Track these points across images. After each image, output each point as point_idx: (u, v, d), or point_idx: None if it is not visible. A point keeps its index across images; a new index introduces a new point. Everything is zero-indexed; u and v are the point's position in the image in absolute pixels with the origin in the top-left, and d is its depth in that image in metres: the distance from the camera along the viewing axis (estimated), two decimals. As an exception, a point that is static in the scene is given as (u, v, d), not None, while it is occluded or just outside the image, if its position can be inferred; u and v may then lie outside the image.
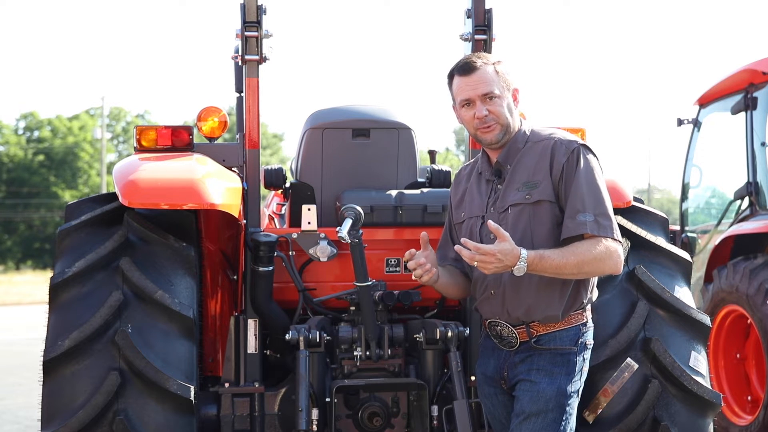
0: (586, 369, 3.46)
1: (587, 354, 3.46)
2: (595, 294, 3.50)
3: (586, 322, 3.45)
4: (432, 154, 5.41)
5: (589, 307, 3.47)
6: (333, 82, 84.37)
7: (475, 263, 3.24)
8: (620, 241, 3.36)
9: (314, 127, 4.63)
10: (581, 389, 3.45)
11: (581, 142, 3.43)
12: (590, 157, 3.41)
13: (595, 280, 3.47)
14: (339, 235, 3.86)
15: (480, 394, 3.66)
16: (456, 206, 3.66)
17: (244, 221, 4.17)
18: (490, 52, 4.31)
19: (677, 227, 8.21)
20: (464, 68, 3.44)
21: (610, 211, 3.37)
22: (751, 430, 6.50)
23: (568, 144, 3.40)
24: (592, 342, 3.49)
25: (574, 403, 3.41)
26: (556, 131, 3.50)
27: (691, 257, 5.40)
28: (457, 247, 3.30)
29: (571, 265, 3.27)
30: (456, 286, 3.61)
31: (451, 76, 3.50)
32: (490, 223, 3.30)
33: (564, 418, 3.36)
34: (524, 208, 3.39)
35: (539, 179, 3.39)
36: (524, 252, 3.23)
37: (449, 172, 4.79)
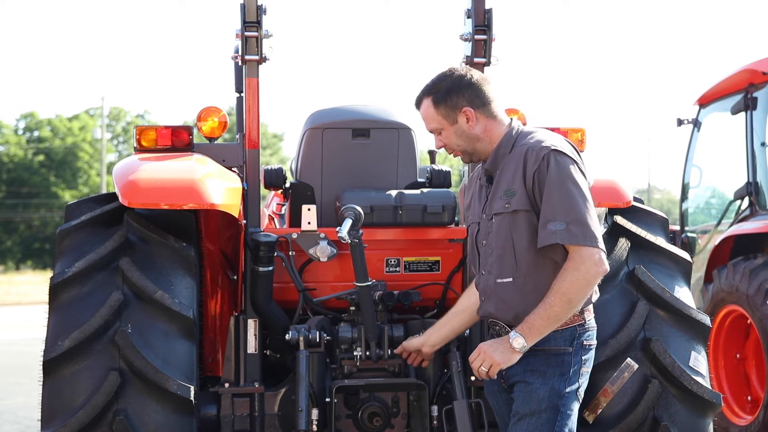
0: (586, 370, 3.44)
1: (587, 355, 3.44)
2: (596, 295, 3.48)
3: (584, 323, 3.42)
4: (432, 154, 5.40)
5: (589, 308, 3.45)
6: (333, 82, 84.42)
7: (483, 370, 3.35)
8: (599, 247, 3.27)
9: (314, 127, 4.62)
10: (581, 390, 3.43)
11: (554, 147, 3.34)
12: (563, 162, 3.32)
13: None
14: (339, 235, 3.86)
15: (486, 391, 3.68)
16: (466, 210, 3.73)
17: (244, 221, 4.17)
18: (490, 52, 4.31)
19: (677, 227, 8.21)
20: (415, 103, 3.56)
21: (587, 216, 3.28)
22: (751, 430, 6.50)
23: (538, 151, 3.34)
24: (594, 342, 3.48)
25: (571, 404, 3.38)
26: (536, 134, 3.44)
27: (691, 257, 5.39)
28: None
29: (559, 307, 3.27)
30: (469, 322, 3.86)
31: None
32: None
33: (558, 418, 3.35)
34: (505, 217, 3.40)
35: (516, 188, 3.37)
36: (514, 334, 3.30)
37: (449, 172, 4.79)
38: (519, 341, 3.28)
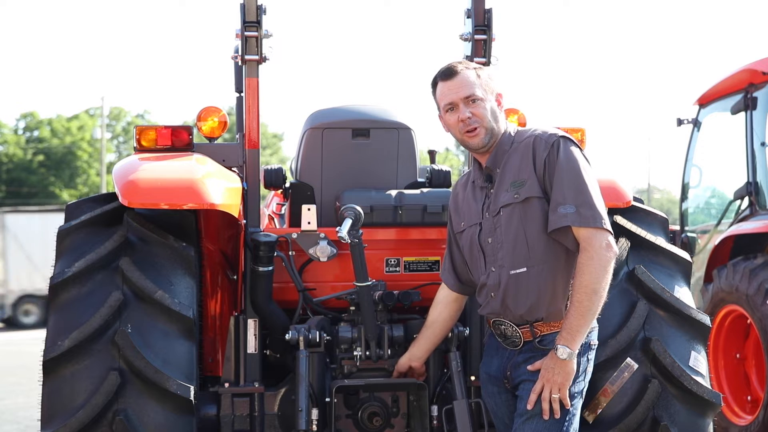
0: (590, 369, 3.47)
1: (591, 354, 3.46)
2: None
3: None
4: (432, 154, 5.41)
5: None
6: (333, 82, 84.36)
7: (554, 396, 3.32)
8: (608, 229, 3.35)
9: (314, 127, 4.63)
10: (585, 389, 3.45)
11: (561, 134, 3.45)
12: (571, 148, 3.42)
13: None
14: (339, 235, 3.87)
15: (483, 394, 3.68)
16: (455, 217, 3.71)
17: (244, 221, 4.17)
18: (490, 52, 4.32)
19: (677, 227, 8.21)
20: (446, 73, 3.50)
21: (595, 200, 3.37)
22: (751, 430, 6.50)
23: (547, 138, 3.43)
24: (597, 342, 3.50)
25: (578, 403, 3.41)
26: (536, 128, 3.53)
27: (691, 257, 5.40)
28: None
29: (587, 298, 3.28)
30: (441, 331, 3.91)
31: (434, 84, 3.57)
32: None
33: (567, 418, 3.36)
34: (514, 208, 3.41)
35: (525, 177, 3.41)
36: (557, 346, 3.30)
37: (449, 172, 4.79)
38: (563, 350, 3.29)
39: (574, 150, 3.42)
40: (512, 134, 3.53)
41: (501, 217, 3.45)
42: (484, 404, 3.95)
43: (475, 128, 3.46)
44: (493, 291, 3.49)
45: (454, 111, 3.48)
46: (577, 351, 3.31)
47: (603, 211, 3.37)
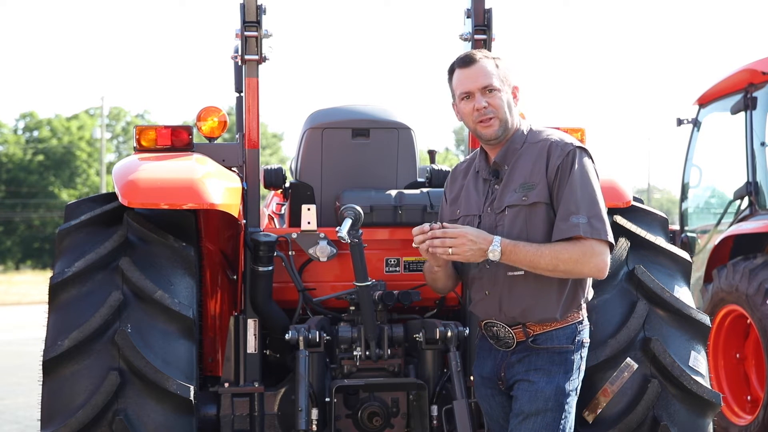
0: (583, 367, 3.46)
1: (584, 352, 3.45)
2: (591, 293, 3.49)
3: (582, 320, 3.44)
4: (432, 154, 5.40)
5: (584, 305, 3.46)
6: (333, 82, 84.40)
7: (450, 251, 3.27)
8: (611, 243, 3.34)
9: (314, 127, 4.63)
10: (579, 387, 3.45)
11: (578, 144, 3.41)
12: (586, 159, 3.39)
13: (590, 279, 3.46)
14: (339, 235, 3.86)
15: (477, 396, 3.66)
16: (451, 203, 3.66)
17: (244, 221, 4.17)
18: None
19: (677, 227, 8.22)
20: (464, 61, 3.46)
21: (604, 214, 3.35)
22: (750, 430, 6.50)
23: (564, 146, 3.39)
24: (589, 340, 3.49)
25: (573, 401, 3.40)
26: (554, 132, 3.48)
27: (691, 257, 5.40)
28: (416, 231, 3.32)
29: (545, 260, 3.27)
30: (446, 278, 3.63)
31: (451, 71, 3.51)
32: (445, 225, 3.35)
33: (563, 416, 3.36)
34: (521, 210, 3.39)
35: (535, 181, 3.38)
36: (497, 237, 3.28)
37: (449, 172, 4.78)
38: (496, 251, 3.28)
39: (589, 163, 3.39)
40: (525, 133, 3.49)
41: (505, 217, 3.42)
42: (484, 404, 3.95)
43: (490, 118, 3.42)
44: (488, 288, 3.45)
45: (469, 100, 3.44)
46: (499, 257, 3.28)
47: (609, 226, 3.37)
